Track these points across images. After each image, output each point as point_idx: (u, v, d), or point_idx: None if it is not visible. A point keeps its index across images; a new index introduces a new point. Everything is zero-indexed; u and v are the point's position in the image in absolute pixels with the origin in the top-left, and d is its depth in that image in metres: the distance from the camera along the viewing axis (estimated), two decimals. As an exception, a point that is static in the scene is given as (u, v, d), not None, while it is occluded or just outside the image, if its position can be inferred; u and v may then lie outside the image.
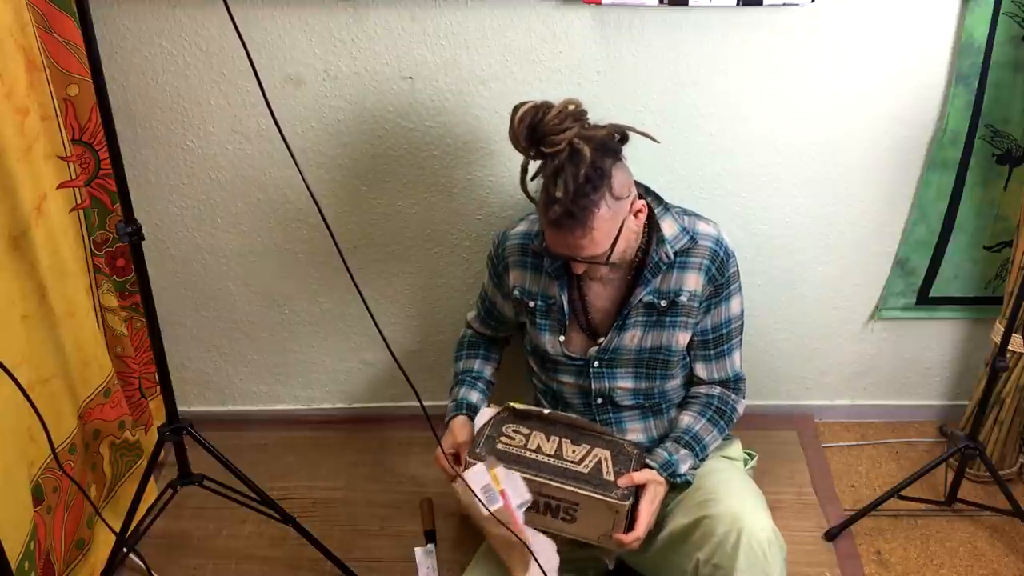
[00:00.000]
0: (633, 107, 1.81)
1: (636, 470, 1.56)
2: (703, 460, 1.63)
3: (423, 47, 1.75)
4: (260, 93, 1.37)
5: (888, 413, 2.27)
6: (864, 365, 2.19)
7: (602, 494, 1.49)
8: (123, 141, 1.51)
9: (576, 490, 1.49)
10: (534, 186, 1.50)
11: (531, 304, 1.67)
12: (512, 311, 1.75)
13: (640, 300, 1.59)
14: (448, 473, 1.60)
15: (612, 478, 1.53)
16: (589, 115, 1.45)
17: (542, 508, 1.52)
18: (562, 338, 1.64)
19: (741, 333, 1.68)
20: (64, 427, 1.71)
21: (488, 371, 1.82)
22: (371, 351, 2.18)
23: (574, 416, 1.65)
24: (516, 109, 1.42)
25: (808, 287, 2.06)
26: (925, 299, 2.06)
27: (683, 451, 1.60)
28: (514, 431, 1.61)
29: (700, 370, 1.68)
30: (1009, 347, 1.85)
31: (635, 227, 1.52)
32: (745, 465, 1.74)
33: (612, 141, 1.45)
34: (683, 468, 1.59)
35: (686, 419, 1.66)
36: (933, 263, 2.01)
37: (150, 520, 1.82)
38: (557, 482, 1.50)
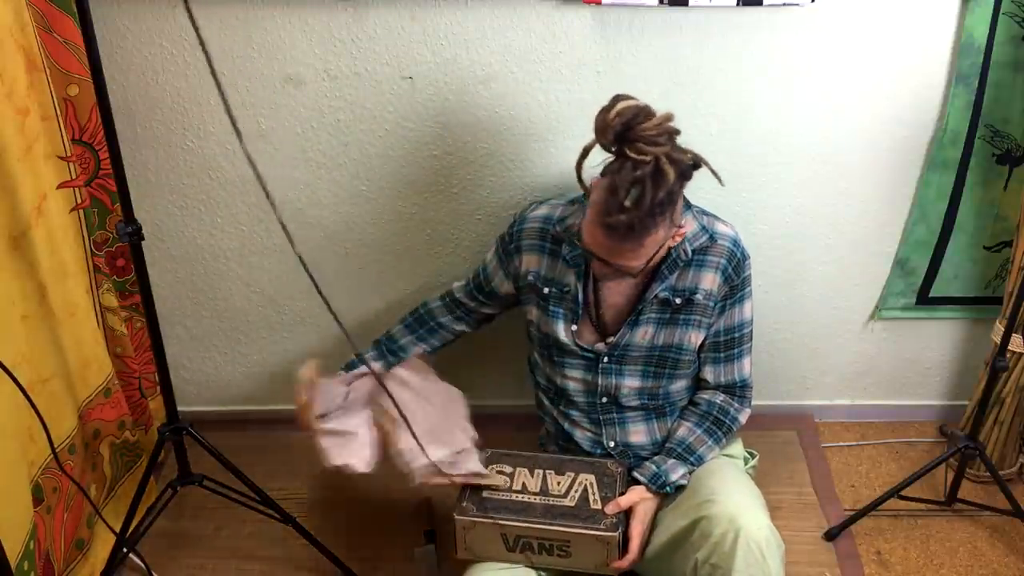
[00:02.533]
0: (633, 107, 1.81)
1: (622, 492, 1.57)
2: (692, 469, 1.63)
3: (423, 47, 1.75)
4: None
5: (888, 413, 2.27)
6: (864, 365, 2.19)
7: (590, 528, 1.51)
8: (123, 141, 1.51)
9: (564, 529, 1.52)
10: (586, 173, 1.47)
11: (545, 290, 1.65)
12: (507, 292, 1.73)
13: (655, 296, 1.58)
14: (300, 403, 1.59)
15: (599, 506, 1.55)
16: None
17: (536, 548, 1.54)
18: (575, 327, 1.64)
19: (751, 340, 1.68)
20: (64, 427, 1.72)
21: (412, 351, 1.80)
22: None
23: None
24: (617, 99, 1.38)
25: (808, 287, 2.06)
26: (925, 299, 2.06)
27: (672, 461, 1.61)
28: (497, 472, 1.62)
29: (708, 373, 1.68)
30: (1009, 347, 1.85)
31: (669, 245, 1.51)
32: (746, 464, 1.74)
33: (689, 169, 1.43)
34: (673, 477, 1.60)
35: (681, 430, 1.67)
36: (933, 263, 2.01)
37: (150, 520, 1.82)
38: (545, 524, 1.52)
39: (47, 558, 1.66)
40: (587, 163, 1.45)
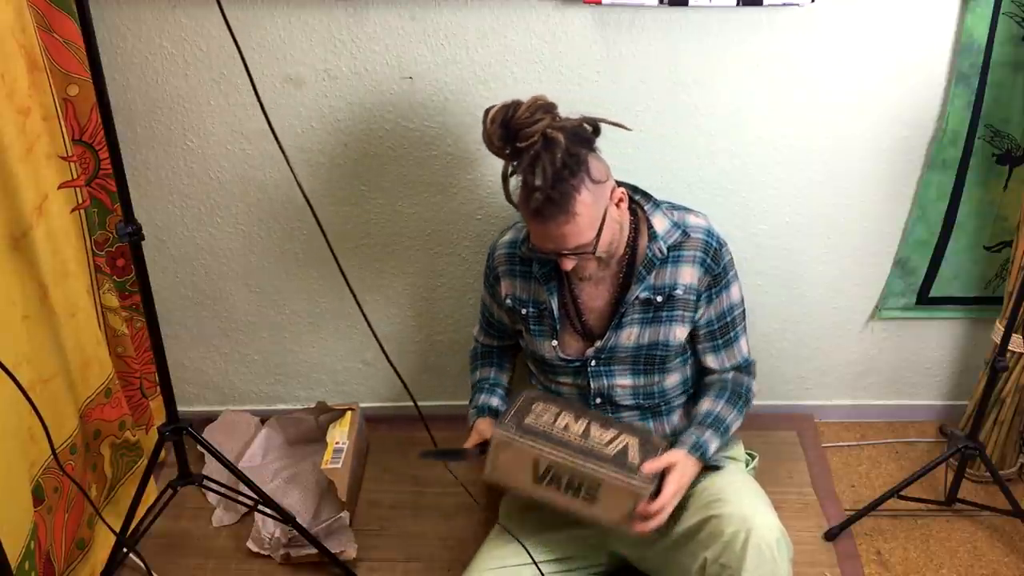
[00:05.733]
0: (634, 107, 1.81)
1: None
2: (726, 442, 1.64)
3: (423, 47, 1.76)
4: (261, 92, 1.37)
5: (888, 413, 2.27)
6: (864, 365, 2.19)
7: (624, 476, 1.48)
8: (123, 141, 1.51)
9: (597, 469, 1.48)
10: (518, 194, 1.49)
11: (523, 311, 1.67)
12: (509, 320, 1.76)
13: (636, 297, 1.59)
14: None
15: (636, 462, 1.51)
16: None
17: (563, 485, 1.50)
18: (555, 342, 1.65)
19: (744, 319, 1.69)
20: (65, 427, 1.72)
21: (504, 379, 1.84)
22: (371, 351, 2.18)
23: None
24: (487, 112, 1.44)
25: (808, 287, 2.06)
26: (925, 299, 2.06)
27: (708, 432, 1.61)
28: (543, 409, 1.60)
29: (711, 361, 1.69)
30: (1009, 347, 1.85)
31: (618, 217, 1.53)
32: (747, 466, 1.74)
33: (584, 131, 1.46)
34: (712, 448, 1.59)
35: (705, 404, 1.67)
36: (933, 263, 2.01)
37: (150, 520, 1.82)
38: (579, 460, 1.49)
39: (48, 558, 1.67)
40: None
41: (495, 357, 1.86)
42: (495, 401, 1.76)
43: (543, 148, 1.39)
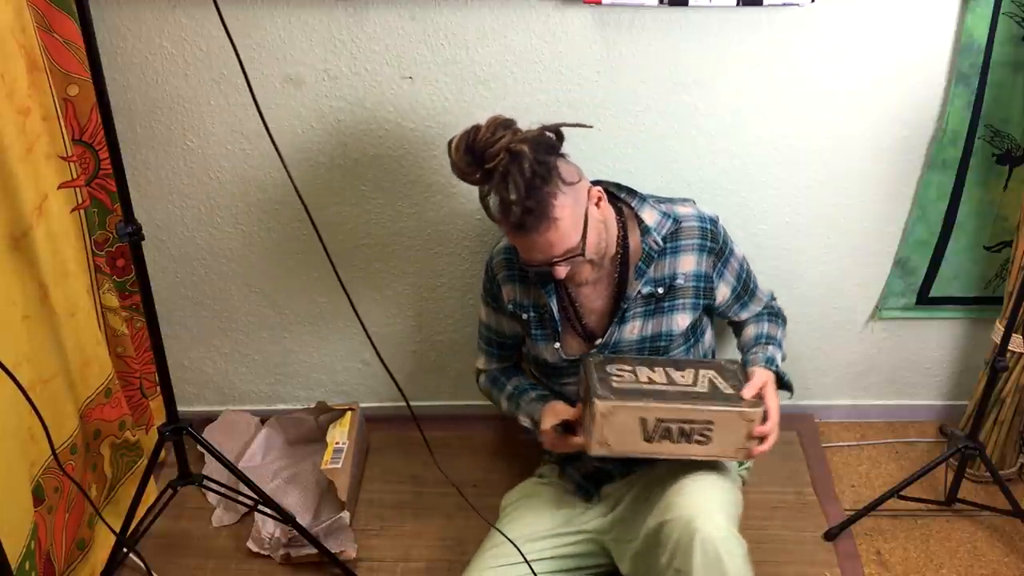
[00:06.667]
0: (634, 107, 1.81)
1: (747, 379, 1.56)
2: (785, 356, 1.71)
3: (423, 47, 1.76)
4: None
5: (888, 413, 2.27)
6: (864, 365, 2.19)
7: (734, 406, 1.49)
8: (123, 141, 1.51)
9: (708, 408, 1.49)
10: None
11: (524, 316, 1.68)
12: (519, 328, 1.75)
13: (639, 292, 1.59)
14: (553, 442, 1.63)
15: (732, 392, 1.53)
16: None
17: (676, 435, 1.50)
18: (557, 345, 1.65)
19: (750, 265, 1.75)
20: (65, 427, 1.72)
21: (535, 383, 1.82)
22: (371, 351, 2.17)
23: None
24: (450, 144, 1.46)
25: (808, 287, 2.06)
26: (925, 299, 2.06)
27: (769, 347, 1.67)
28: (618, 369, 1.58)
29: (744, 315, 1.76)
30: (1009, 347, 1.85)
31: (599, 216, 1.53)
32: (740, 465, 1.74)
33: (548, 138, 1.48)
34: (779, 360, 1.66)
35: (751, 330, 1.74)
36: (933, 263, 2.01)
37: (150, 520, 1.82)
38: (687, 405, 1.49)
39: (48, 558, 1.67)
40: None
41: (516, 369, 1.86)
42: (546, 393, 1.76)
43: (510, 163, 1.41)
